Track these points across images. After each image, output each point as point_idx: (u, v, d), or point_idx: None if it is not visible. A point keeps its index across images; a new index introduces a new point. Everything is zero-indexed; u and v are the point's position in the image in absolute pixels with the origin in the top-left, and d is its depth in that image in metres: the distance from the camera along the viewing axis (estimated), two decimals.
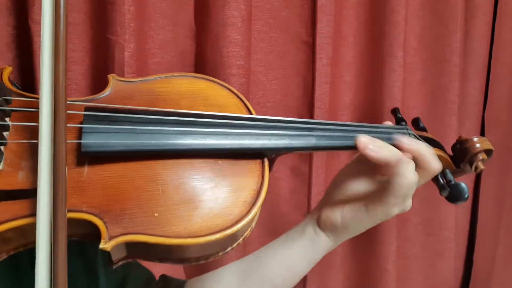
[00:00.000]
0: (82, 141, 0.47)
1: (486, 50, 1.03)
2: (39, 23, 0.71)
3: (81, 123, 0.49)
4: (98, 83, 0.78)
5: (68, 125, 0.46)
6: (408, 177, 0.51)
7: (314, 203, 0.92)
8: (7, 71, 0.53)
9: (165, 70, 0.82)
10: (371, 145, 0.52)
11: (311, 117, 0.90)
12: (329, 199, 0.60)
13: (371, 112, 0.95)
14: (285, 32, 0.89)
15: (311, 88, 0.90)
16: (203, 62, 0.83)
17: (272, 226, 0.94)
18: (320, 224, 0.60)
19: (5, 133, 0.47)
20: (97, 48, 0.77)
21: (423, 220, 1.06)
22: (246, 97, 0.82)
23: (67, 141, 0.46)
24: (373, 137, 0.54)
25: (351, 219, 0.57)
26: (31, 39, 0.71)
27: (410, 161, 0.53)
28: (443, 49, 0.97)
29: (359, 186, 0.57)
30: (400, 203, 0.54)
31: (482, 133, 1.09)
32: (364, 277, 1.02)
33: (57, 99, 0.43)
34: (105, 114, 0.49)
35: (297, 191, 0.95)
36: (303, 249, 0.60)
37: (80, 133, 0.48)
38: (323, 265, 1.00)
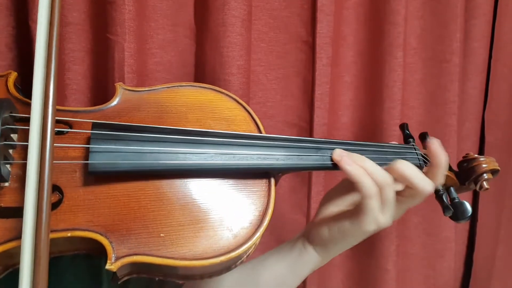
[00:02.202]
0: (89, 161, 0.47)
1: (486, 50, 1.03)
2: None
3: (89, 138, 0.49)
4: (98, 83, 0.78)
5: (75, 145, 0.49)
6: (369, 197, 0.53)
7: (314, 203, 0.92)
8: (12, 77, 0.53)
9: (165, 70, 0.82)
10: (345, 158, 0.55)
11: (311, 117, 0.90)
12: (318, 215, 0.63)
13: (371, 112, 0.95)
14: (285, 32, 0.89)
15: (311, 88, 0.90)
16: (203, 62, 0.83)
17: (272, 225, 0.93)
18: (310, 239, 0.61)
19: (11, 151, 0.47)
20: (97, 48, 0.77)
21: (423, 220, 1.06)
22: (246, 97, 0.83)
23: (74, 161, 0.48)
24: (379, 158, 0.57)
25: (337, 233, 0.58)
26: (32, 39, 0.71)
27: (371, 186, 0.54)
28: (443, 49, 0.97)
29: (343, 202, 0.61)
30: (373, 221, 0.55)
31: (482, 133, 1.09)
32: (364, 277, 1.02)
33: (45, 132, 0.43)
34: (112, 133, 0.49)
35: (297, 190, 0.95)
36: (292, 261, 0.62)
37: (87, 151, 0.48)
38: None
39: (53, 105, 0.44)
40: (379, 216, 0.54)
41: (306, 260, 0.61)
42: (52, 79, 0.45)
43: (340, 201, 0.62)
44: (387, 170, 0.55)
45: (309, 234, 0.62)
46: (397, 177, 0.56)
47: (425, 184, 0.56)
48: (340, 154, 0.55)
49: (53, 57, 0.46)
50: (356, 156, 0.55)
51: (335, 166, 0.56)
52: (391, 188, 0.55)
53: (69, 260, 0.57)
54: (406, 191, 0.57)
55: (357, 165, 0.54)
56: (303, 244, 0.62)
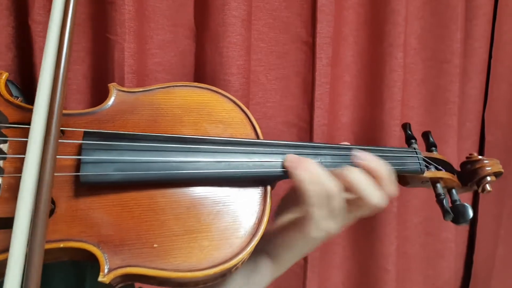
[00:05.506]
0: (80, 173, 0.46)
1: (486, 50, 1.03)
2: (39, 23, 0.71)
3: (80, 146, 0.47)
4: (98, 83, 0.78)
5: (66, 156, 0.47)
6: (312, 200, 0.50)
7: None
8: (3, 78, 0.51)
9: (165, 70, 0.82)
10: (294, 163, 0.52)
11: (311, 117, 0.90)
12: (273, 224, 0.61)
13: (372, 112, 0.95)
14: (285, 32, 0.89)
15: (311, 88, 0.90)
16: (203, 62, 0.83)
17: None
18: (263, 248, 0.59)
19: (1, 162, 0.45)
20: (97, 48, 0.77)
21: (423, 220, 1.06)
22: (246, 97, 0.83)
23: (66, 173, 0.46)
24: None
25: (287, 241, 0.57)
26: (31, 39, 0.71)
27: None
28: (443, 49, 0.97)
29: (295, 210, 0.58)
30: (318, 228, 0.52)
31: (482, 133, 1.09)
32: (364, 277, 1.02)
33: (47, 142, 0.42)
34: (104, 143, 0.48)
35: None
36: (247, 273, 0.59)
37: (79, 162, 0.47)
38: (323, 265, 1.00)
39: (59, 112, 0.43)
40: (325, 223, 0.52)
41: (261, 269, 0.59)
42: (60, 85, 0.43)
43: (292, 209, 0.59)
44: (337, 176, 0.52)
45: (262, 244, 0.59)
46: (346, 186, 0.52)
47: (373, 196, 0.53)
48: (290, 160, 0.52)
49: (63, 62, 0.44)
50: (306, 161, 0.52)
51: None
52: (339, 197, 0.52)
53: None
54: (353, 200, 0.54)
55: (306, 171, 0.51)
56: (258, 254, 0.59)
